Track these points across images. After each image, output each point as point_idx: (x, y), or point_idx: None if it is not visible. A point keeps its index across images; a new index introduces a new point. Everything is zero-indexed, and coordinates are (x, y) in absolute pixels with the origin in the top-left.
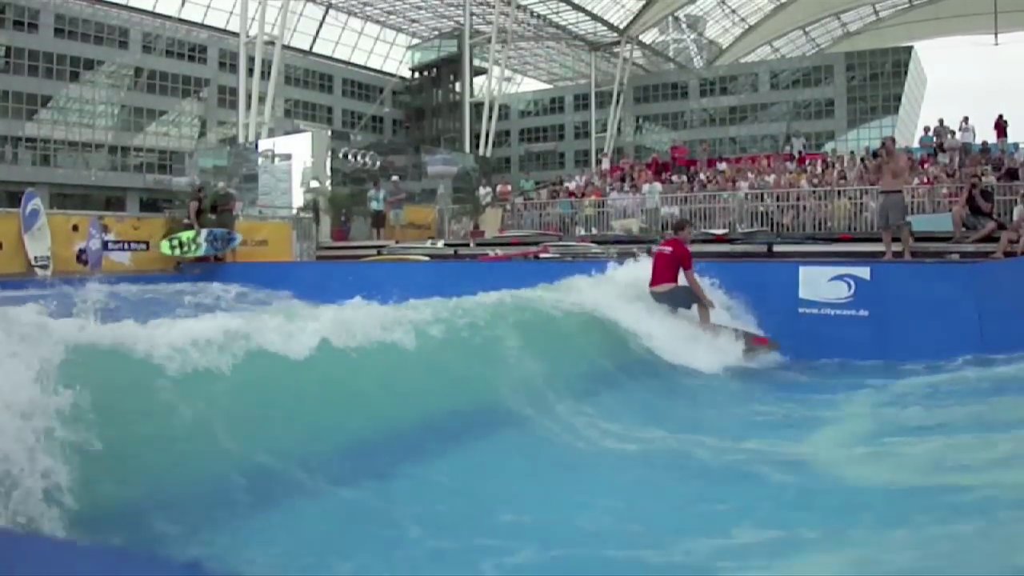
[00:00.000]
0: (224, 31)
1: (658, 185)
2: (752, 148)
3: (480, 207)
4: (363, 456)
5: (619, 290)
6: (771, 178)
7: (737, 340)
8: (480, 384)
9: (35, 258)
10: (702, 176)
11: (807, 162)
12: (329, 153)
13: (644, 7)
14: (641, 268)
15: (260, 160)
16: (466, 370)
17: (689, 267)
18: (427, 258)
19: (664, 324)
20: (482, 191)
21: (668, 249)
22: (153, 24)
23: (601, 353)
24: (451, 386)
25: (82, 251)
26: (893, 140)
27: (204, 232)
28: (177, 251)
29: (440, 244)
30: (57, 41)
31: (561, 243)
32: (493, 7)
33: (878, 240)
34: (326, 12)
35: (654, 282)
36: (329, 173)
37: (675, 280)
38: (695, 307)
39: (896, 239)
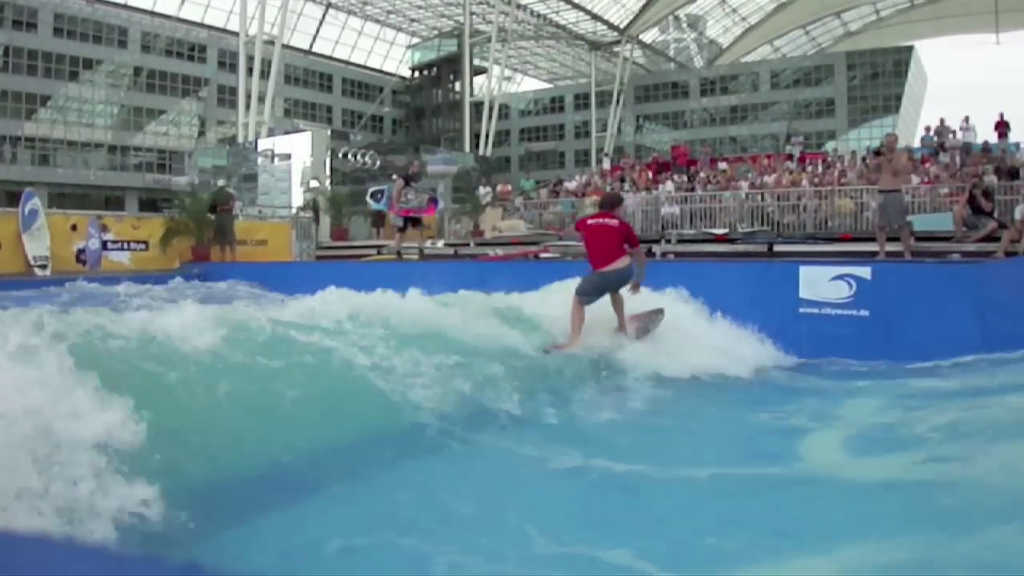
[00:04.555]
0: (223, 30)
1: (671, 185)
2: (753, 148)
3: (480, 207)
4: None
5: None
6: (771, 177)
7: (654, 315)
8: None
9: (34, 258)
10: (702, 175)
11: (807, 162)
12: (329, 153)
13: (644, 6)
14: None
15: (259, 160)
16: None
17: (637, 243)
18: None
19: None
20: (482, 191)
21: (614, 222)
22: (152, 23)
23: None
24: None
25: (81, 251)
26: (896, 137)
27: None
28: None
29: (440, 244)
30: (56, 40)
31: (561, 243)
32: (493, 6)
33: None
34: (325, 11)
35: (607, 260)
36: (329, 173)
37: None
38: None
39: (895, 239)
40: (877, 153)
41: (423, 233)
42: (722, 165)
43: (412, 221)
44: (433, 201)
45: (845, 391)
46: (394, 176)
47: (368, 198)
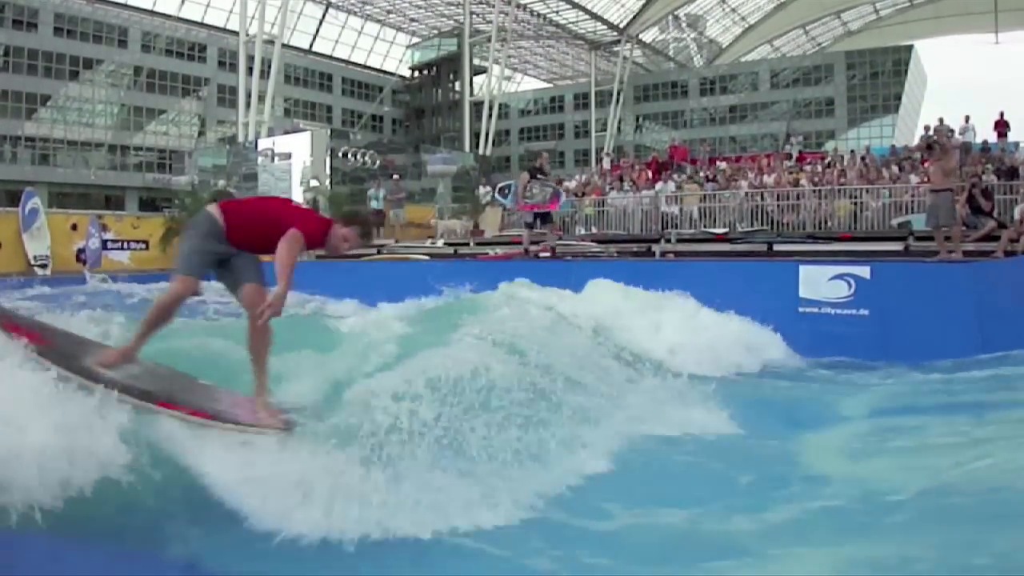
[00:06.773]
0: (223, 30)
1: (672, 184)
2: (752, 147)
3: (480, 206)
4: None
5: None
6: (771, 178)
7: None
8: None
9: (34, 257)
10: (701, 175)
11: (807, 161)
12: (329, 152)
13: (644, 6)
14: None
15: (259, 159)
16: None
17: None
18: (427, 257)
19: None
20: (482, 190)
21: None
22: (152, 23)
23: None
24: None
25: (81, 250)
26: (947, 136)
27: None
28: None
29: (440, 243)
30: (56, 40)
31: (561, 242)
32: (493, 6)
33: (878, 239)
34: (325, 11)
35: None
36: (329, 172)
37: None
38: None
39: (947, 238)
40: (928, 147)
41: (422, 233)
42: (721, 165)
43: (541, 216)
44: (556, 195)
45: (844, 390)
46: (395, 176)
47: (496, 194)
